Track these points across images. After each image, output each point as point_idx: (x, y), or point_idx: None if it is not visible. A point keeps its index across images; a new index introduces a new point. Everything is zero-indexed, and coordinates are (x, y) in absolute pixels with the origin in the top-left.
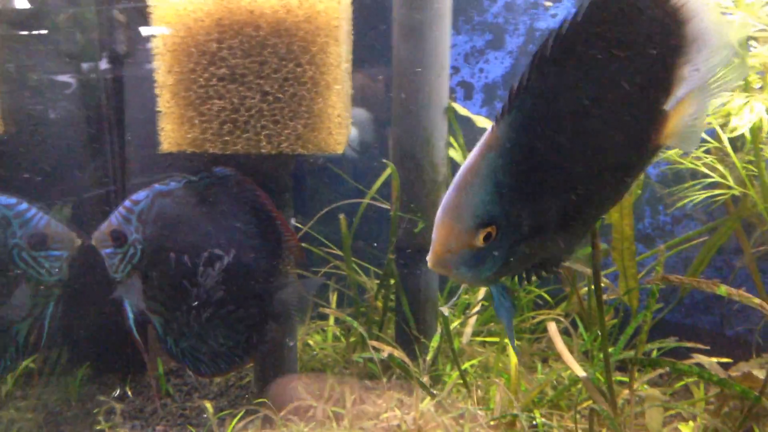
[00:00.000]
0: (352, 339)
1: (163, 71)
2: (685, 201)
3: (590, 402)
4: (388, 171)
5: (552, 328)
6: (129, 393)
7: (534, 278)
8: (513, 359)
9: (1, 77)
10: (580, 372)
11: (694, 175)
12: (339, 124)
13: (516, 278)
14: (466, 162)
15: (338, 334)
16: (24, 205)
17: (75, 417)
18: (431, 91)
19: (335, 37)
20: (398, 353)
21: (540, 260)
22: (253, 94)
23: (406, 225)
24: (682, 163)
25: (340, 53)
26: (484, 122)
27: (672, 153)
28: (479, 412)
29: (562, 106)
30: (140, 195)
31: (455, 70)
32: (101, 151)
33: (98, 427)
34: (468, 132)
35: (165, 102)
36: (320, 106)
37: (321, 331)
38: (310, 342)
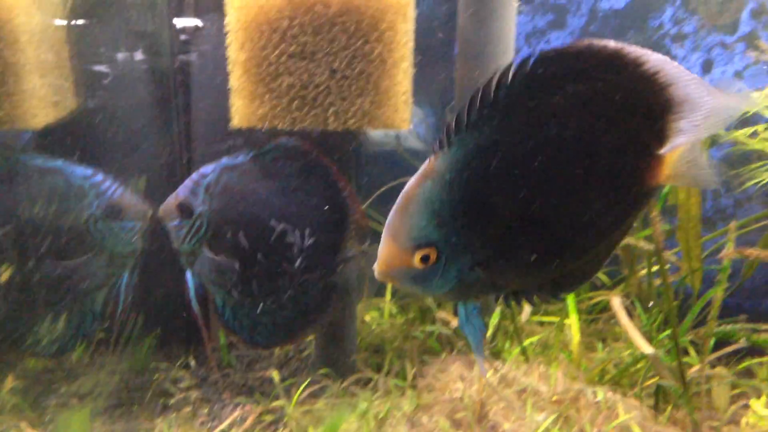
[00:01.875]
0: (411, 315)
1: (235, 48)
2: (751, 183)
3: (654, 380)
4: None
5: (616, 303)
6: (192, 363)
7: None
8: (575, 337)
9: (76, 54)
10: (647, 348)
11: (761, 156)
12: (405, 102)
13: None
14: (405, 187)
15: (393, 312)
16: (99, 177)
17: (143, 384)
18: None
19: (404, 15)
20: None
21: (527, 289)
22: (322, 71)
23: None
24: (746, 145)
25: (407, 31)
26: None
27: (738, 133)
28: (542, 387)
29: (511, 151)
30: (208, 168)
31: (516, 50)
32: (170, 128)
33: (166, 398)
34: None
35: (236, 78)
36: (387, 84)
37: (378, 309)
38: (367, 318)
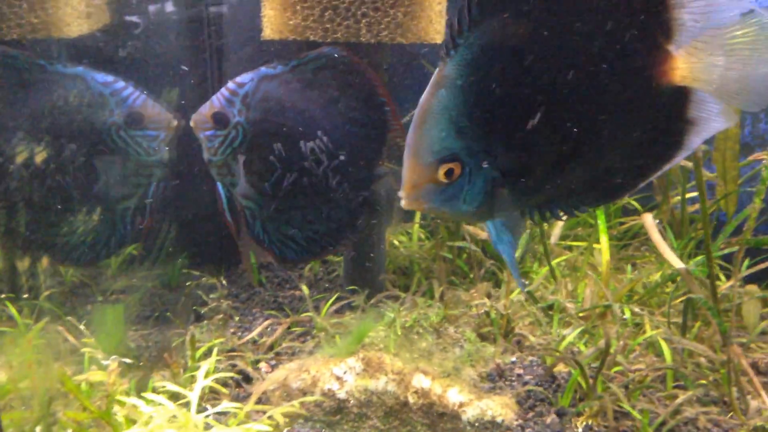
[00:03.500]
0: (440, 236)
1: None
2: None
3: (683, 299)
4: None
5: (648, 220)
6: (223, 282)
7: (549, 216)
8: (605, 256)
9: None
10: (678, 262)
11: None
12: (440, 13)
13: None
14: (420, 100)
15: (422, 237)
16: (120, 84)
17: (176, 299)
18: None
19: None
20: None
21: (551, 199)
22: None
23: None
24: None
25: None
26: None
27: None
28: (569, 304)
29: (515, 48)
30: (245, 77)
31: None
32: (202, 43)
33: (198, 308)
34: None
35: None
36: None
37: (406, 233)
38: (395, 242)
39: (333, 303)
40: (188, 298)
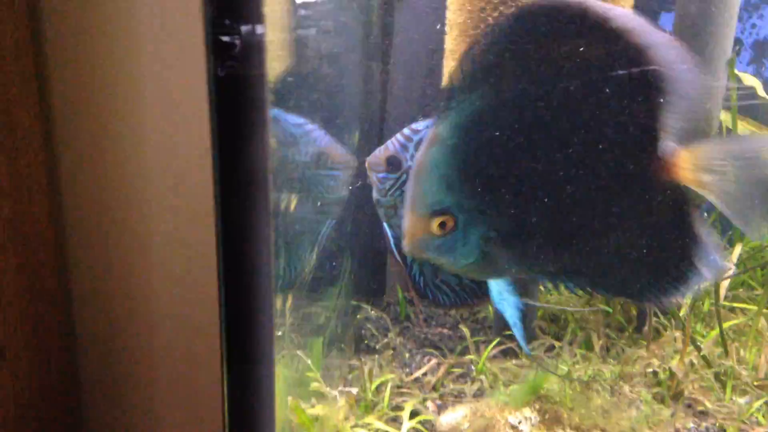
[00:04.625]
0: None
1: (453, 9)
2: None
3: None
4: None
5: None
6: (373, 317)
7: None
8: None
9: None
10: None
11: None
12: None
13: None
14: (416, 156)
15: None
16: (310, 126)
17: (347, 331)
18: (716, 44)
19: None
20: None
21: (563, 270)
22: None
23: None
24: None
25: None
26: (751, 80)
27: None
28: (743, 371)
29: (502, 113)
30: (420, 124)
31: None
32: (374, 89)
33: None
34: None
35: (452, 39)
36: None
37: None
38: (541, 288)
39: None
40: (355, 328)
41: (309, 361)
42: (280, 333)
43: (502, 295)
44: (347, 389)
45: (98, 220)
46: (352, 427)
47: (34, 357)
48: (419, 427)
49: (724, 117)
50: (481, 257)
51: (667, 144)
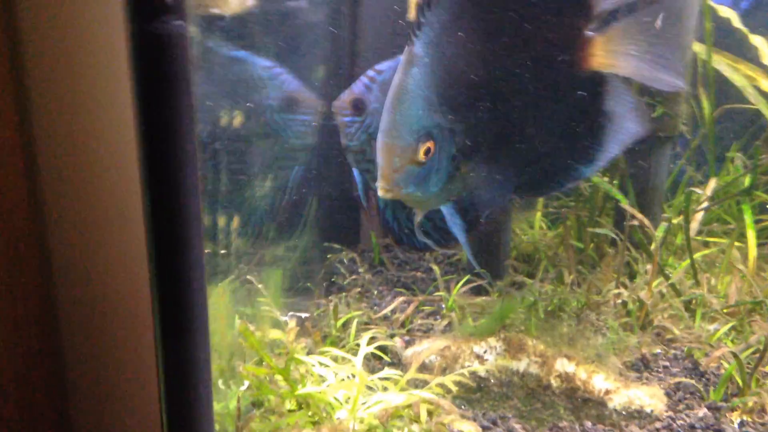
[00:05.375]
0: (568, 222)
1: None
2: None
3: None
4: None
5: None
6: (345, 260)
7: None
8: (752, 252)
9: None
10: None
11: None
12: None
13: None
14: (393, 82)
15: (544, 226)
16: (278, 69)
17: (314, 271)
18: None
19: None
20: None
21: (485, 193)
22: None
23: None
24: None
25: None
26: (727, 12)
27: None
28: (713, 299)
29: (469, 22)
30: (384, 65)
31: None
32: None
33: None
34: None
35: None
36: None
37: (527, 221)
38: (517, 230)
39: (462, 285)
40: (326, 271)
41: (260, 286)
42: (224, 251)
43: (452, 217)
44: (298, 314)
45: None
46: (309, 354)
47: None
48: (378, 352)
49: (698, 48)
50: (447, 181)
51: (586, 34)
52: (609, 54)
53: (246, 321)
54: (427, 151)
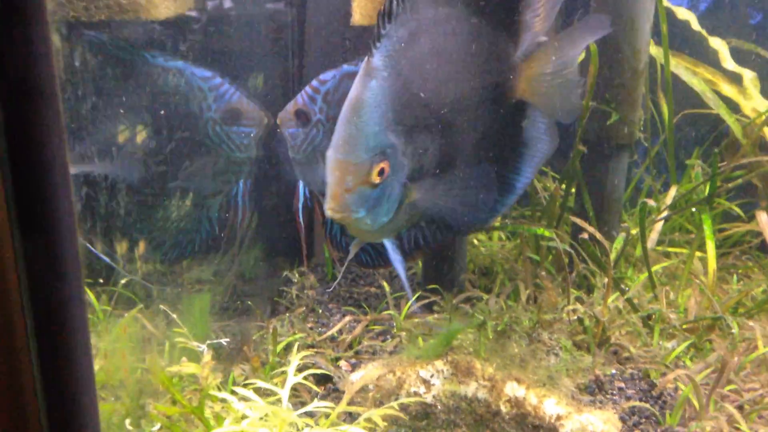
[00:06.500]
0: (525, 236)
1: None
2: None
3: None
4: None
5: (762, 219)
6: (296, 277)
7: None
8: (711, 264)
9: None
10: None
11: None
12: None
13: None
14: (350, 94)
15: (503, 237)
16: (218, 80)
17: (254, 290)
18: None
19: None
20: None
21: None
22: None
23: (598, 116)
24: None
25: None
26: (685, 14)
27: None
28: (671, 314)
29: (417, 42)
30: (327, 75)
31: None
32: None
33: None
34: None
35: None
36: None
37: (485, 233)
38: (475, 241)
39: (414, 300)
40: (267, 290)
41: (174, 316)
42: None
43: (395, 253)
44: (216, 342)
45: None
46: (235, 386)
47: None
48: (306, 382)
49: (655, 52)
50: (396, 210)
51: (514, 61)
52: (528, 79)
53: (157, 354)
54: (381, 172)
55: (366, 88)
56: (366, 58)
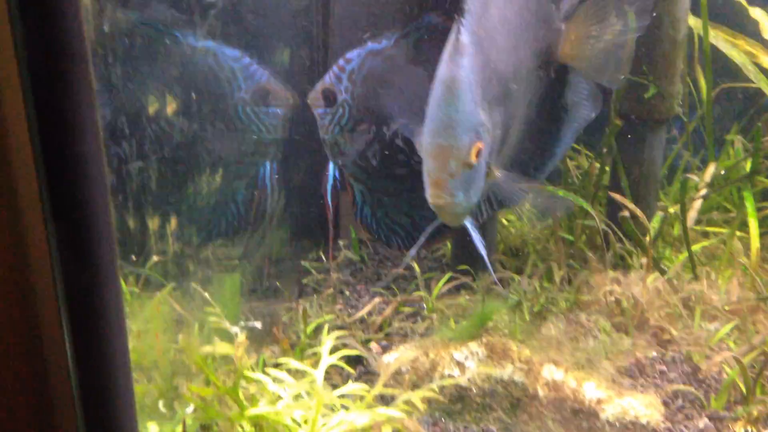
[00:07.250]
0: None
1: None
2: None
3: None
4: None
5: None
6: (323, 257)
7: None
8: (754, 243)
9: None
10: None
11: None
12: None
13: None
14: (439, 75)
15: (532, 218)
16: (247, 59)
17: (283, 271)
18: None
19: None
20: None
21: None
22: None
23: (635, 90)
24: None
25: None
26: None
27: None
28: (713, 296)
29: (489, 13)
30: (353, 54)
31: None
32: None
33: (304, 281)
34: None
35: None
36: None
37: (515, 212)
38: (504, 221)
39: (444, 283)
40: (295, 271)
41: (206, 294)
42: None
43: (476, 232)
44: (250, 324)
45: None
46: (266, 367)
47: None
48: (339, 363)
49: (693, 23)
50: (481, 190)
51: (557, 24)
52: (572, 44)
53: (191, 334)
54: (478, 153)
55: (459, 66)
56: (454, 36)
